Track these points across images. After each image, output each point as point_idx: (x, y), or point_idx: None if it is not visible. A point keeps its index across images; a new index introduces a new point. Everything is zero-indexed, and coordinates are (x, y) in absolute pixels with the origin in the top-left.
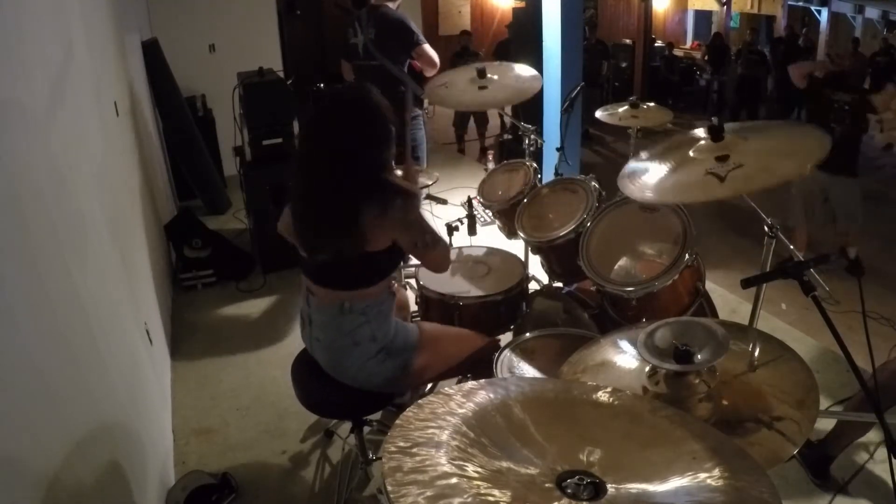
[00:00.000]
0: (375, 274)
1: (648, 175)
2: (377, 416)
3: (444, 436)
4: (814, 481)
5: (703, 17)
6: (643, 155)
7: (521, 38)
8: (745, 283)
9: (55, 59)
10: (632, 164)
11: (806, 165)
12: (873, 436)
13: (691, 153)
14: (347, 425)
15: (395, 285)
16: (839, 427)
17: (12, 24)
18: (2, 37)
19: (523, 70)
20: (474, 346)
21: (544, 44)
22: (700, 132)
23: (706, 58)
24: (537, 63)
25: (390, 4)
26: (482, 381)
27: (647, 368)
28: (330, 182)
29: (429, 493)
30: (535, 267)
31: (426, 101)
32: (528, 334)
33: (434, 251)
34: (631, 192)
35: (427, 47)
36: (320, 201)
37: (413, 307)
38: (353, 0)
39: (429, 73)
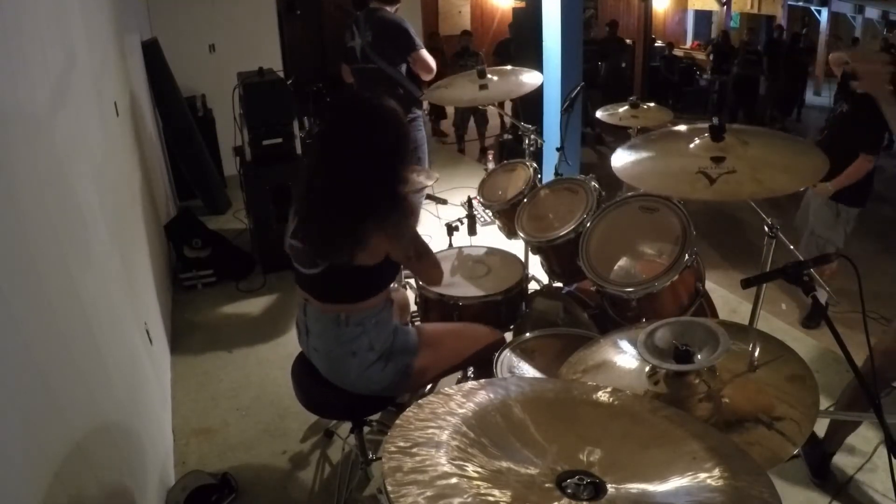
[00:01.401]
0: (371, 288)
1: (642, 159)
2: (377, 416)
3: (444, 436)
4: (814, 481)
5: (703, 17)
6: (640, 140)
7: (521, 38)
8: (745, 283)
9: (56, 60)
10: (628, 147)
11: (796, 184)
12: (873, 436)
13: (690, 147)
14: (347, 425)
15: (395, 286)
16: (833, 424)
17: (13, 24)
18: (3, 38)
19: (525, 76)
20: (478, 343)
21: (544, 44)
22: (703, 129)
23: (710, 57)
24: (537, 63)
25: (388, 8)
26: (482, 381)
27: (647, 368)
28: (347, 189)
29: (429, 493)
30: (535, 267)
31: (425, 103)
32: (528, 334)
33: (425, 262)
34: (622, 174)
35: (423, 53)
36: (335, 208)
37: (413, 307)
38: (353, 0)
39: (425, 78)
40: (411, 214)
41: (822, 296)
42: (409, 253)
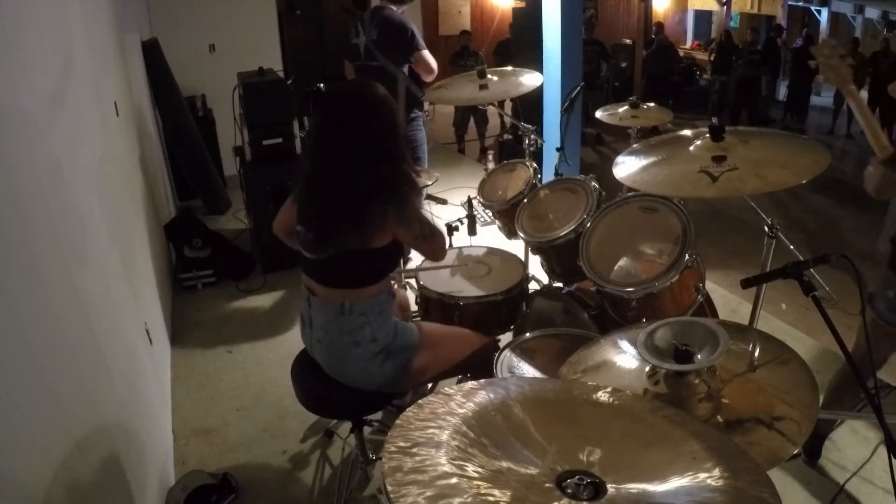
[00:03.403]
0: (376, 271)
1: (643, 164)
2: (377, 416)
3: (444, 436)
4: (804, 459)
5: (703, 17)
6: (640, 145)
7: (521, 38)
8: (745, 284)
9: (56, 60)
10: (629, 153)
11: (798, 178)
12: (873, 436)
13: (691, 149)
14: (347, 425)
15: (395, 286)
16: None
17: (13, 25)
18: (3, 38)
19: (525, 77)
20: (473, 345)
21: (544, 44)
22: (702, 131)
23: (711, 57)
24: (537, 63)
25: (394, 7)
26: (482, 381)
27: (647, 368)
28: (348, 175)
29: (429, 493)
30: (535, 267)
31: (426, 103)
32: (528, 334)
33: (433, 241)
34: (624, 180)
35: (426, 54)
36: (338, 195)
37: (413, 307)
38: (354, 1)
39: (426, 78)
40: (417, 195)
41: None
42: (417, 233)
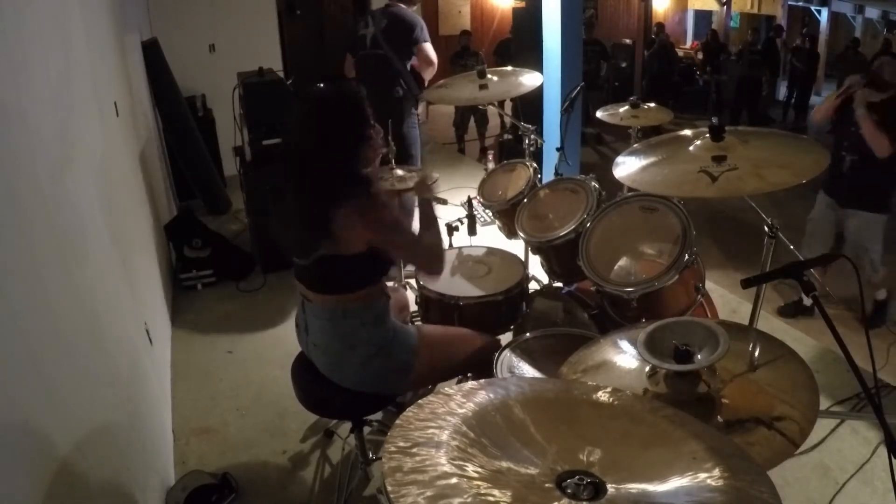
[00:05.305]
0: (363, 276)
1: (643, 164)
2: (377, 416)
3: (444, 436)
4: None
5: (703, 17)
6: (640, 145)
7: (521, 38)
8: (745, 284)
9: (56, 60)
10: (629, 153)
11: (797, 178)
12: (873, 436)
13: (691, 149)
14: (347, 425)
15: (395, 286)
16: None
17: (13, 24)
18: (3, 38)
19: (525, 77)
20: (474, 346)
21: (544, 44)
22: (702, 131)
23: (699, 55)
24: (537, 63)
25: (404, 6)
26: (482, 381)
27: (647, 368)
28: (302, 180)
29: (429, 493)
30: (535, 267)
31: (420, 104)
32: (528, 334)
33: (418, 252)
34: (624, 180)
35: (428, 46)
36: (296, 200)
37: (413, 307)
38: (354, 2)
39: (425, 72)
40: (380, 199)
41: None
42: (389, 241)
